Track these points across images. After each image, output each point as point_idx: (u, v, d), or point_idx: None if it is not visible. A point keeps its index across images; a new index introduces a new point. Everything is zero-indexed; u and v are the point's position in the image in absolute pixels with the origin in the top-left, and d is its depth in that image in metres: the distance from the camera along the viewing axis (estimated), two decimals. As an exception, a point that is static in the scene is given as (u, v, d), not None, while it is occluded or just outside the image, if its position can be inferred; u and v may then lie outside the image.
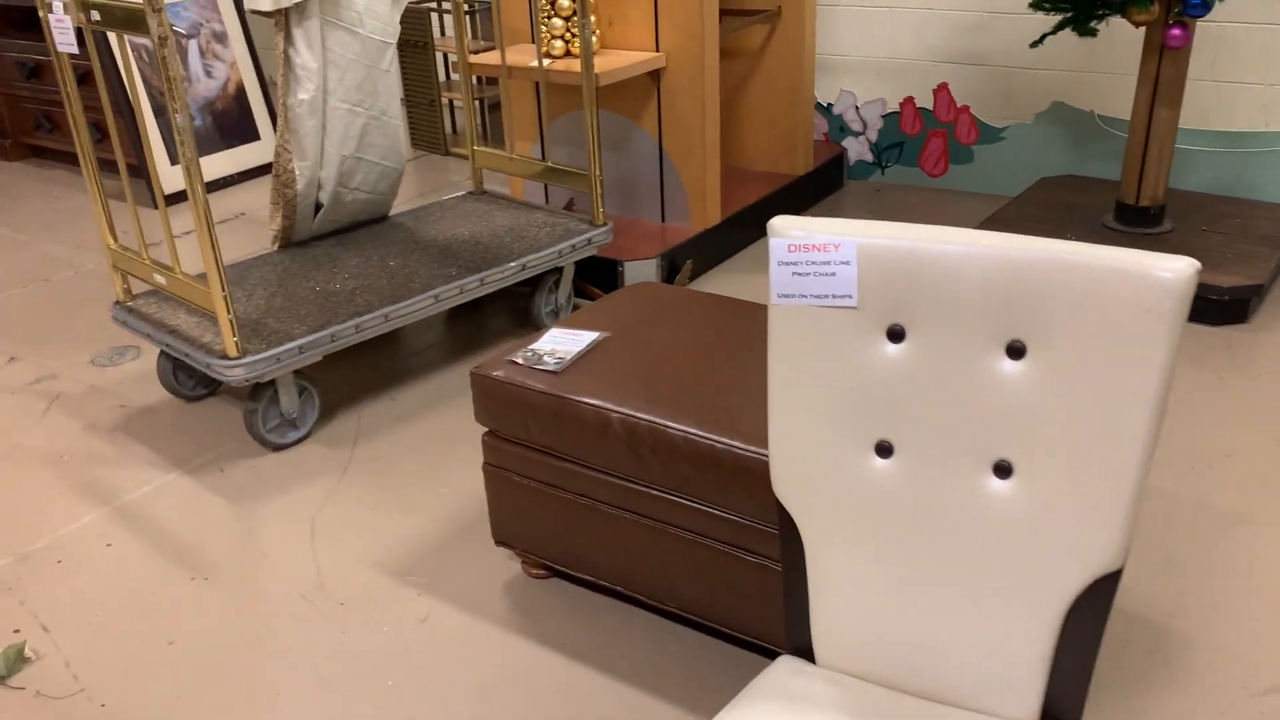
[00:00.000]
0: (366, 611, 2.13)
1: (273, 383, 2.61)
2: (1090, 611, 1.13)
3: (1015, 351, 1.09)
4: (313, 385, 2.73)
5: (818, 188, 4.25)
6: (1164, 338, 1.02)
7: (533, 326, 3.25)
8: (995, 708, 1.20)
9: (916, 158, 4.36)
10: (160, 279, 2.66)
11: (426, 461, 2.63)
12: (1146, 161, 3.38)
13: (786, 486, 1.23)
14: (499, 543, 2.16)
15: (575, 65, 3.35)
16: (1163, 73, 3.25)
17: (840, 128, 4.47)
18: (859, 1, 4.23)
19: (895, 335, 1.13)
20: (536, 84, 3.77)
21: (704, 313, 2.21)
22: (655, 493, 1.87)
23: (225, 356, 2.49)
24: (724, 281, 3.57)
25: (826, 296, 1.13)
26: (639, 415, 1.84)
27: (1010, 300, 1.07)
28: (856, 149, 4.47)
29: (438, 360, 3.16)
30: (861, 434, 1.17)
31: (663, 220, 3.70)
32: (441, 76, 5.29)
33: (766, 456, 1.70)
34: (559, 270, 3.22)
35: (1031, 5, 3.37)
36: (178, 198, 4.08)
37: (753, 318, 2.17)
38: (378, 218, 3.35)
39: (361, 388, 3.01)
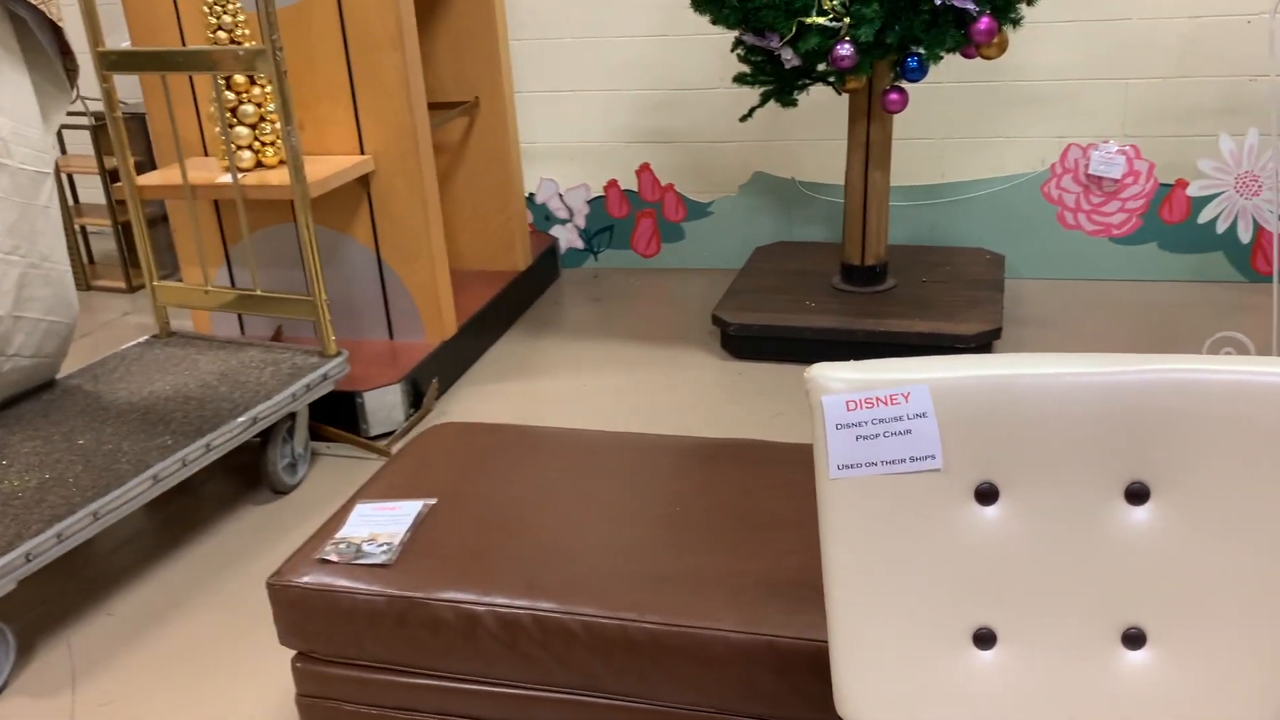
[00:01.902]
0: None
1: (-53, 632, 1.95)
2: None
3: (1136, 495, 0.89)
4: (3, 620, 2.08)
5: (538, 281, 4.02)
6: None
7: (269, 487, 2.73)
8: None
9: (628, 240, 4.25)
10: None
11: (183, 692, 2.06)
12: (867, 223, 3.46)
13: (859, 705, 0.95)
14: (330, 790, 1.69)
15: (269, 178, 2.91)
16: (872, 137, 3.35)
17: (545, 216, 4.28)
18: (548, 86, 4.08)
19: (986, 496, 0.90)
20: (215, 203, 3.25)
21: (526, 450, 1.88)
22: (553, 695, 1.51)
23: (-125, 614, 1.81)
24: (476, 395, 3.22)
25: (903, 461, 0.88)
26: (517, 604, 1.48)
27: (1125, 435, 0.87)
28: (566, 237, 4.29)
29: (151, 550, 2.55)
30: (955, 624, 0.92)
31: (391, 337, 3.29)
32: (70, 200, 4.53)
33: (693, 629, 1.41)
34: (292, 416, 2.73)
35: (735, 79, 3.35)
36: None
37: (586, 445, 1.88)
38: (43, 384, 2.69)
39: (61, 605, 2.36)
